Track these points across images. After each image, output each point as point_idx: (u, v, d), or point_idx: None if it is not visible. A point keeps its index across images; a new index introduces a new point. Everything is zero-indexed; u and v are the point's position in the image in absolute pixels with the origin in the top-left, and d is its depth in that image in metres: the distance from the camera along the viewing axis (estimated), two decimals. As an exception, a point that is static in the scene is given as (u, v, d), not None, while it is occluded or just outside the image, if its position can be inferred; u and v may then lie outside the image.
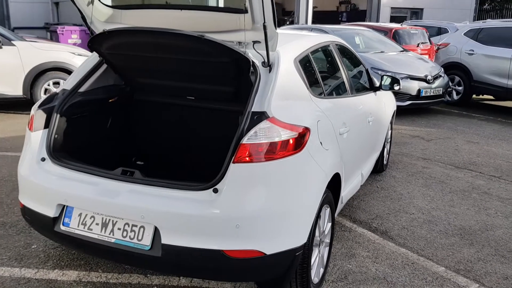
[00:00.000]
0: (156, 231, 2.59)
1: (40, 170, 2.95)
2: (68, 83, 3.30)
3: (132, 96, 3.70)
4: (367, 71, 4.90)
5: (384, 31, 11.62)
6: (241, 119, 2.71)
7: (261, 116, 2.67)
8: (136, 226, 2.63)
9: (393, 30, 11.94)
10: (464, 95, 10.43)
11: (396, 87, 4.81)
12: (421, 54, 11.15)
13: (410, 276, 3.53)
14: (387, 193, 5.18)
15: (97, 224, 2.71)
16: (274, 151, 2.57)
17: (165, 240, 2.54)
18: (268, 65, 2.91)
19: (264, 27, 2.69)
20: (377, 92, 4.89)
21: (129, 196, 2.65)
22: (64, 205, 2.81)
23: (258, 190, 2.55)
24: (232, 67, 2.90)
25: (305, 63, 3.31)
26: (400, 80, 4.88)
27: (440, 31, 14.59)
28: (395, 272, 3.57)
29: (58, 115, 3.08)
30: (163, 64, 3.11)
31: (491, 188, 5.47)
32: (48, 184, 2.85)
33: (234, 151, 2.56)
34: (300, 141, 2.69)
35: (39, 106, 3.11)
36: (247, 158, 2.53)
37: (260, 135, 2.57)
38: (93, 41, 3.10)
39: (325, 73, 3.72)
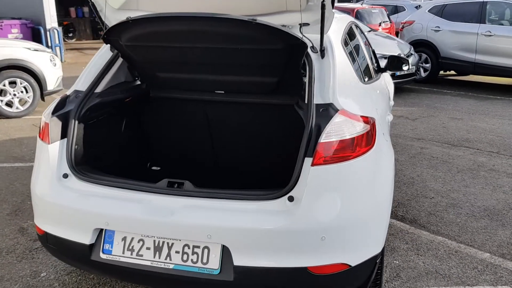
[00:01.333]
0: (225, 252, 2.21)
1: (65, 189, 2.48)
2: (80, 84, 2.81)
3: (148, 94, 3.25)
4: (373, 51, 4.66)
5: (347, 12, 11.48)
6: (302, 113, 2.38)
7: (327, 109, 2.34)
8: (198, 247, 2.25)
9: (356, 10, 11.84)
10: (431, 72, 10.51)
11: (405, 68, 4.59)
12: (384, 33, 11.11)
13: (460, 266, 3.36)
14: (398, 178, 5.00)
15: (148, 248, 2.29)
16: (353, 148, 2.25)
17: (237, 261, 2.18)
18: (321, 49, 2.58)
19: (323, 6, 2.35)
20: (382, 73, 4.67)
21: (187, 213, 2.25)
22: (102, 229, 2.36)
23: (341, 195, 2.23)
24: (283, 54, 2.54)
25: (345, 46, 2.99)
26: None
27: (396, 9, 14.68)
28: (443, 264, 3.38)
29: (77, 122, 2.61)
30: (194, 55, 2.69)
31: (495, 165, 5.43)
32: (79, 206, 2.39)
33: (307, 151, 2.22)
34: (371, 134, 2.38)
35: (53, 113, 2.61)
36: (327, 159, 2.20)
37: (337, 132, 2.24)
38: (110, 32, 2.63)
39: (357, 56, 3.42)
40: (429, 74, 10.52)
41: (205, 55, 2.67)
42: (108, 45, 2.87)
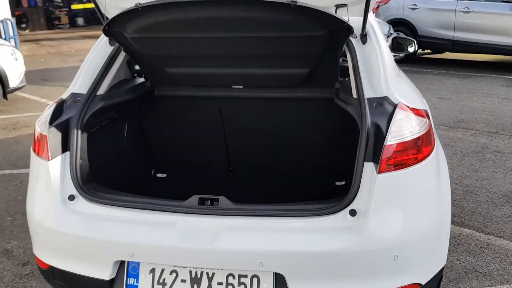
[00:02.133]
0: (278, 280, 1.87)
1: (72, 214, 2.06)
2: (78, 85, 2.37)
3: (152, 92, 2.82)
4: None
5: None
6: (352, 109, 2.05)
7: (383, 103, 2.02)
8: (245, 276, 1.89)
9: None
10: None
11: (411, 49, 4.30)
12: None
13: (497, 261, 3.14)
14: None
15: (183, 281, 1.92)
16: (418, 149, 1.93)
17: None
18: (363, 34, 2.23)
19: None
20: None
21: (232, 237, 1.88)
22: (124, 261, 1.97)
23: (410, 205, 1.91)
24: (322, 41, 2.17)
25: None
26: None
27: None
28: (479, 260, 3.16)
29: (79, 132, 2.18)
30: (214, 47, 2.30)
31: (498, 146, 5.28)
32: (94, 234, 1.99)
33: (367, 155, 1.88)
34: (431, 132, 2.07)
35: (51, 122, 2.17)
36: (395, 164, 1.87)
37: (401, 131, 1.91)
38: (113, 23, 2.20)
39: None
40: (408, 53, 10.34)
41: (227, 46, 2.27)
42: (106, 38, 2.43)
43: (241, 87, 2.70)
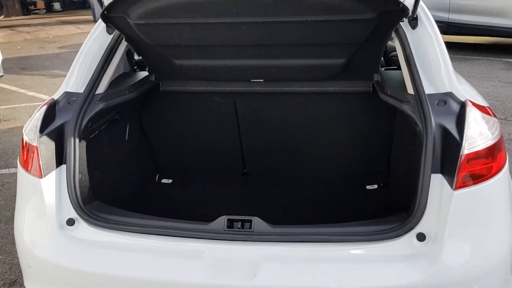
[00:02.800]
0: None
1: (72, 242, 1.71)
2: (72, 82, 1.98)
3: (157, 88, 2.43)
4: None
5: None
6: (409, 108, 1.71)
7: (447, 101, 1.69)
8: None
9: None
10: (403, 34, 10.01)
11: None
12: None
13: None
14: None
15: None
16: (495, 157, 1.60)
17: None
18: (413, 17, 1.88)
19: None
20: None
21: (273, 269, 1.53)
22: (141, 300, 1.61)
23: (488, 226, 1.59)
24: (369, 26, 1.82)
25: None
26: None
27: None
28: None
29: (77, 139, 1.80)
30: (235, 34, 1.92)
31: (510, 133, 5.01)
32: (99, 268, 1.62)
33: (434, 166, 1.55)
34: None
35: (42, 130, 1.77)
36: (474, 177, 1.54)
37: (477, 136, 1.58)
38: (114, 7, 1.81)
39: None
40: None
41: (251, 33, 1.90)
42: (103, 25, 2.03)
43: (261, 80, 2.32)
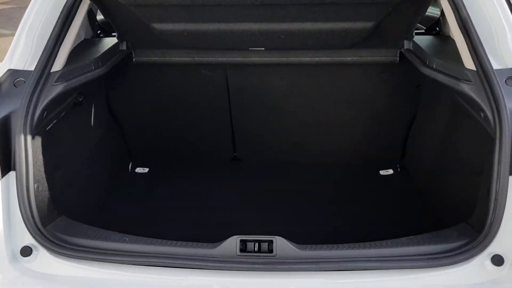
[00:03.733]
0: None
1: (30, 278, 1.26)
2: (18, 57, 1.46)
3: (129, 59, 1.93)
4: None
5: None
6: (470, 88, 1.35)
7: None
8: None
9: None
10: None
11: None
12: None
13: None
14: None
15: None
16: None
17: None
18: None
19: None
20: None
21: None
22: None
23: None
24: None
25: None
26: None
27: None
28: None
29: (29, 136, 1.33)
30: None
31: None
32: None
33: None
34: None
35: None
36: None
37: None
38: None
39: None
40: None
41: None
42: None
43: (262, 49, 1.86)
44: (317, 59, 1.87)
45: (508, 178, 1.21)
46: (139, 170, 2.25)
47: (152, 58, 1.92)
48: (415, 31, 1.85)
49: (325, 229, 1.78)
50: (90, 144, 1.88)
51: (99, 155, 1.96)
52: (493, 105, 1.27)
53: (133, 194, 2.07)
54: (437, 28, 1.93)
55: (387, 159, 2.23)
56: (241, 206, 1.95)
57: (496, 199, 1.21)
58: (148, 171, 2.25)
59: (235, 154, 2.31)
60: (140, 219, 1.83)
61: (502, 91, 1.27)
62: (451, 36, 1.74)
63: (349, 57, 1.86)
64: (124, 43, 1.87)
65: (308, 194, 2.03)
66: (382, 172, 2.19)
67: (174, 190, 2.09)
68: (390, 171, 2.19)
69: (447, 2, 1.46)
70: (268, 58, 1.89)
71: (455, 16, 1.43)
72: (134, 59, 1.93)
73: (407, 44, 1.78)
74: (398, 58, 1.85)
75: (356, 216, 1.87)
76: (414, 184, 2.06)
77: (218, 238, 1.33)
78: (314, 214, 1.88)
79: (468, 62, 1.39)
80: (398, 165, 2.18)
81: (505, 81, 1.32)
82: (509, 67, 1.35)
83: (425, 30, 1.99)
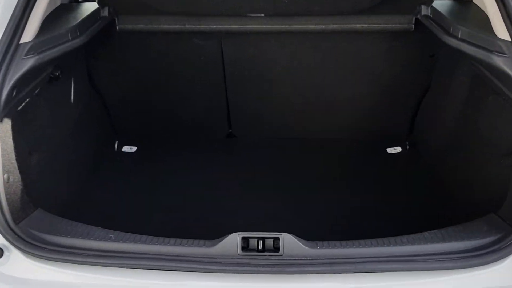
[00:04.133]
0: None
1: (1, 283, 1.10)
2: None
3: (112, 26, 1.72)
4: None
5: None
6: (501, 60, 1.21)
7: None
8: None
9: None
10: None
11: None
12: None
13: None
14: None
15: None
16: None
17: None
18: None
19: None
20: None
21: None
22: None
23: None
24: None
25: None
26: None
27: None
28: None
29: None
30: None
31: None
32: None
33: None
34: None
35: None
36: None
37: None
38: None
39: None
40: None
41: None
42: None
43: (262, 15, 1.66)
44: (323, 26, 1.68)
45: None
46: (126, 149, 2.07)
47: (138, 26, 1.71)
48: None
49: (332, 220, 1.63)
50: (70, 122, 1.69)
51: (81, 135, 1.77)
52: None
53: (119, 177, 1.89)
54: None
55: (394, 136, 2.07)
56: (238, 191, 1.78)
57: None
58: (136, 150, 2.07)
59: (230, 130, 2.14)
60: (127, 207, 1.66)
61: None
62: (474, 1, 1.56)
63: (358, 24, 1.67)
64: (106, 8, 1.65)
65: (310, 178, 1.87)
66: (389, 150, 2.03)
67: (165, 171, 1.92)
68: (399, 149, 2.03)
69: None
70: (268, 26, 1.69)
71: None
72: (117, 27, 1.72)
73: (424, 10, 1.60)
74: (413, 26, 1.66)
75: (364, 202, 1.72)
76: (425, 163, 1.91)
77: (214, 229, 1.18)
78: (318, 202, 1.72)
79: (502, 32, 1.21)
80: (407, 142, 2.02)
81: None
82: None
83: None
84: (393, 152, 2.04)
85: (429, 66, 1.83)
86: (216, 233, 1.16)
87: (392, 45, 1.79)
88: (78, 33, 1.47)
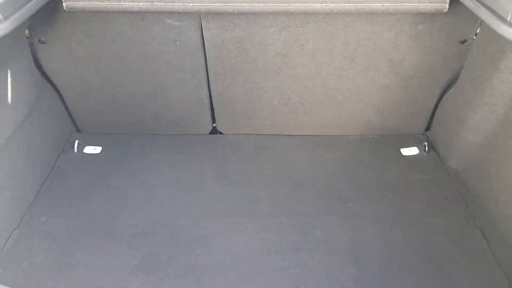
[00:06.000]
0: None
1: None
2: None
3: (59, 4, 1.33)
4: None
5: None
6: None
7: None
8: None
9: None
10: None
11: None
12: None
13: None
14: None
15: None
16: None
17: None
18: None
19: None
20: None
21: None
22: None
23: None
24: None
25: None
26: None
27: None
28: None
29: None
30: None
31: None
32: None
33: None
34: None
35: None
36: None
37: None
38: None
39: None
40: None
41: None
42: None
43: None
44: (332, 5, 1.31)
45: None
46: (88, 150, 1.71)
47: (90, 4, 1.33)
48: None
49: (325, 233, 1.32)
50: (17, 119, 1.33)
51: (31, 134, 1.42)
52: None
53: (79, 185, 1.55)
54: None
55: (410, 134, 1.75)
56: (222, 206, 1.46)
57: None
58: (101, 150, 1.72)
59: (214, 125, 1.79)
60: (88, 224, 1.35)
61: None
62: None
63: (378, 3, 1.30)
64: None
65: (303, 180, 1.55)
66: (404, 152, 1.71)
67: (135, 178, 1.58)
68: (415, 150, 1.70)
69: None
70: (261, 5, 1.32)
71: None
72: (64, 4, 1.33)
73: None
74: (447, 5, 1.30)
75: (367, 217, 1.40)
76: (448, 168, 1.59)
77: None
78: (316, 218, 1.41)
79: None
80: (425, 143, 1.69)
81: None
82: None
83: None
84: (408, 154, 1.71)
85: (459, 54, 1.48)
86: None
87: (418, 29, 1.43)
88: (11, 11, 1.10)
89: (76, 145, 1.71)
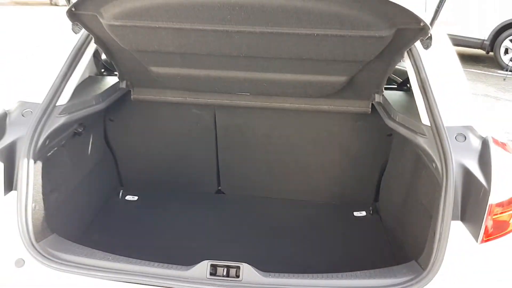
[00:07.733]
0: None
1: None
2: (29, 90, 1.66)
3: (127, 96, 2.13)
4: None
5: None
6: (425, 141, 1.56)
7: (467, 135, 1.51)
8: None
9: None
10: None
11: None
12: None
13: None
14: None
15: None
16: None
17: None
18: (427, 36, 1.66)
19: None
20: None
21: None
22: None
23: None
24: (382, 43, 1.59)
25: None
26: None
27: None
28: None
29: (32, 160, 1.50)
30: (224, 42, 1.66)
31: None
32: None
33: (455, 212, 1.36)
34: None
35: None
36: (499, 228, 1.35)
37: (503, 178, 1.39)
38: (85, 3, 1.52)
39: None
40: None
41: (245, 44, 1.64)
42: (70, 23, 1.72)
43: (248, 94, 2.07)
44: (296, 105, 2.08)
45: (450, 222, 1.38)
46: (129, 197, 2.41)
47: (149, 97, 2.12)
48: (389, 85, 2.05)
49: (293, 261, 1.93)
50: (85, 170, 2.05)
51: (92, 182, 2.13)
52: (442, 158, 1.45)
53: (121, 218, 2.22)
54: (408, 85, 2.14)
55: (361, 201, 2.39)
56: (218, 236, 2.10)
57: (439, 240, 1.37)
58: (138, 199, 2.41)
59: (219, 187, 2.48)
60: (124, 242, 1.98)
61: (450, 145, 1.45)
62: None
63: (325, 105, 2.06)
64: (124, 81, 2.07)
65: (282, 229, 2.19)
66: (356, 214, 2.35)
67: (159, 217, 2.24)
68: (363, 213, 2.35)
69: (411, 63, 1.67)
70: (252, 102, 2.09)
71: (415, 76, 1.63)
72: (132, 96, 2.13)
73: (377, 98, 1.98)
74: (370, 110, 2.04)
75: (324, 251, 2.02)
76: (384, 226, 2.22)
77: (193, 262, 1.48)
78: (284, 247, 2.04)
79: (424, 118, 1.58)
80: (371, 208, 2.33)
81: (455, 137, 1.50)
82: (459, 125, 1.53)
83: (396, 85, 2.20)
84: (358, 215, 2.36)
85: (387, 143, 2.19)
86: (194, 262, 1.48)
87: (356, 124, 2.17)
88: (100, 100, 1.88)
89: (120, 193, 2.41)
